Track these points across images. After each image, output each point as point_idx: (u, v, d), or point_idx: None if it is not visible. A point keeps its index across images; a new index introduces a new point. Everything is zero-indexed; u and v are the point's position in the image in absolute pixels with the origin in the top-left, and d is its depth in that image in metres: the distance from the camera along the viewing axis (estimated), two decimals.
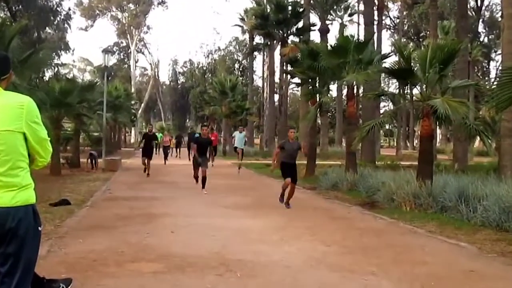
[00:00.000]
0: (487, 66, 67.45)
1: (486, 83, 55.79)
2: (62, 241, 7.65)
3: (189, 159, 27.57)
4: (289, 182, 12.03)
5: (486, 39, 63.67)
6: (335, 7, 51.29)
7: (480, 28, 61.92)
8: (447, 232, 9.00)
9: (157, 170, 22.10)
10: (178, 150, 38.61)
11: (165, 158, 29.15)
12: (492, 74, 63.86)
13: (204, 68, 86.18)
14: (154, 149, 24.41)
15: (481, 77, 62.94)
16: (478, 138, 16.47)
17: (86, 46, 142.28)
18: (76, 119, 24.05)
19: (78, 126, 24.79)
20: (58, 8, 39.44)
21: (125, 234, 8.22)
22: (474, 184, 11.02)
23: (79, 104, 22.82)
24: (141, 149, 21.09)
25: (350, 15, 55.92)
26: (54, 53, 37.96)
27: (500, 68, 32.95)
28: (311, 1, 39.99)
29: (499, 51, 53.18)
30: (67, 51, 46.26)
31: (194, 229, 8.89)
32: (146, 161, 20.06)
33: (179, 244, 7.55)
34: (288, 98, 52.23)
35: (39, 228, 3.21)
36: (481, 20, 59.96)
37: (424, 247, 7.75)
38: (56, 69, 42.71)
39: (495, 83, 12.96)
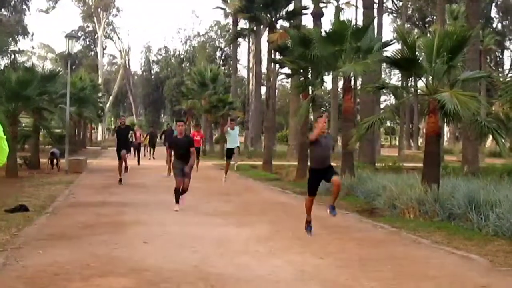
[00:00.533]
0: (500, 56, 67.97)
1: (500, 74, 56.30)
2: (19, 252, 7.60)
3: (166, 163, 27.22)
4: (312, 201, 9.55)
5: (499, 26, 64.20)
6: None
7: (493, 13, 62.53)
8: (455, 242, 9.05)
9: (128, 172, 21.92)
10: (151, 149, 36.80)
11: (138, 156, 28.88)
12: (507, 65, 64.56)
13: (182, 56, 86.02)
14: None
15: (494, 68, 63.44)
16: (491, 137, 16.59)
17: (47, 31, 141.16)
18: (35, 113, 23.86)
19: (38, 122, 24.58)
20: None
21: (91, 245, 8.19)
22: (486, 188, 11.10)
23: (39, 96, 22.66)
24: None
25: None
26: (10, 38, 37.72)
27: None
28: None
29: None
30: (25, 36, 46.16)
31: (170, 239, 8.87)
32: (123, 161, 18.28)
33: (153, 257, 7.53)
34: (277, 91, 52.22)
35: None
36: (494, 4, 60.47)
37: (430, 260, 7.80)
38: (12, 56, 42.41)
39: (509, 74, 13.05)
